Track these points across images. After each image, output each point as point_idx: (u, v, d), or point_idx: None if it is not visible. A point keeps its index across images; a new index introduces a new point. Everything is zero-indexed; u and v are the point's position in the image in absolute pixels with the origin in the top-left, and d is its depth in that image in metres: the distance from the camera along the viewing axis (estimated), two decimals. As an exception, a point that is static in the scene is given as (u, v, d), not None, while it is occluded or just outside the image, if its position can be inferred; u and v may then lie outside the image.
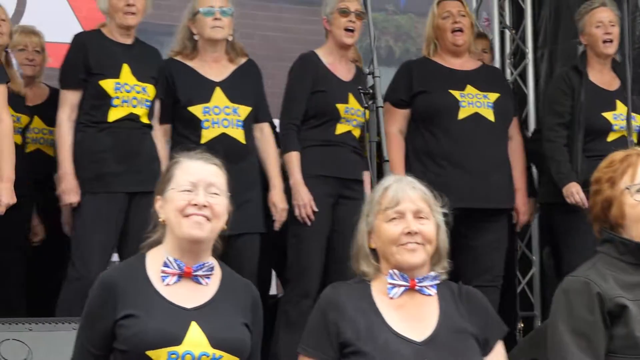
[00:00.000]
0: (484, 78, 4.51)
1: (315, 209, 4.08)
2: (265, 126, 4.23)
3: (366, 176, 4.08)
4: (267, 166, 4.14)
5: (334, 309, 2.61)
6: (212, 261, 2.63)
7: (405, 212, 2.59)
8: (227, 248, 3.82)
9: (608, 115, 4.45)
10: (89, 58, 4.09)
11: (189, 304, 2.59)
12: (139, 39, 4.28)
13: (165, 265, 2.59)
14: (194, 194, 2.57)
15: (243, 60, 4.23)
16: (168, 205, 2.60)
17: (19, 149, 4.25)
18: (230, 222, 3.75)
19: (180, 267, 2.58)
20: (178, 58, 4.18)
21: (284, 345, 4.05)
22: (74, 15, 6.19)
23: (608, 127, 4.49)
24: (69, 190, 3.93)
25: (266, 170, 4.17)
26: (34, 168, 4.42)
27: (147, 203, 2.89)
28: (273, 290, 5.01)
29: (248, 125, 4.11)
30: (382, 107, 3.55)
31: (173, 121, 4.18)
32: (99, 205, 3.98)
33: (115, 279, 2.64)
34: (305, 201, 4.05)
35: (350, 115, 4.27)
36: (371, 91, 3.56)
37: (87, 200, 3.95)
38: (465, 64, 4.50)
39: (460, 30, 4.40)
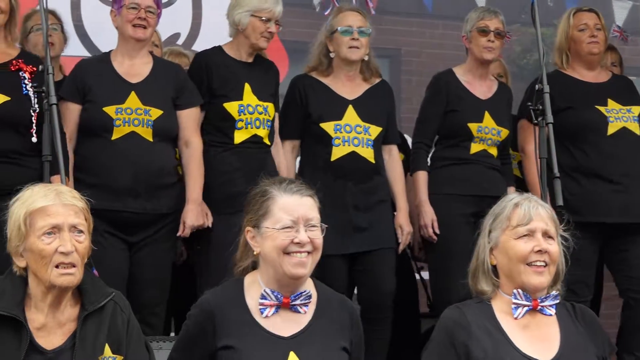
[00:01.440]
0: (621, 91, 4.46)
1: (438, 231, 4.05)
2: (394, 148, 4.21)
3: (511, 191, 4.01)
4: (394, 188, 4.13)
5: (462, 329, 2.62)
6: (309, 287, 2.60)
7: (536, 231, 2.61)
8: (360, 264, 4.03)
9: None
10: (213, 80, 4.08)
11: (286, 332, 2.56)
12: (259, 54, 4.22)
13: (263, 297, 2.56)
14: (295, 231, 2.52)
15: (377, 80, 4.19)
16: (267, 242, 2.55)
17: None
18: (363, 239, 3.99)
19: (278, 298, 2.56)
20: (313, 74, 4.15)
21: None
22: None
23: None
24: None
25: (393, 192, 4.15)
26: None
27: None
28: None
29: (378, 145, 4.08)
30: (552, 123, 3.64)
31: (302, 137, 4.16)
32: (230, 225, 3.72)
33: (214, 306, 2.60)
34: (427, 222, 4.05)
35: (484, 134, 4.23)
36: (540, 107, 3.63)
37: (218, 221, 3.94)
38: (598, 76, 4.44)
39: (597, 43, 4.33)
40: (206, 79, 4.07)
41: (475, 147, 4.26)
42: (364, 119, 4.03)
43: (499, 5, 5.32)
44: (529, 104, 3.77)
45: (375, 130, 4.05)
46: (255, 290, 2.59)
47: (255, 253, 2.58)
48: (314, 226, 2.54)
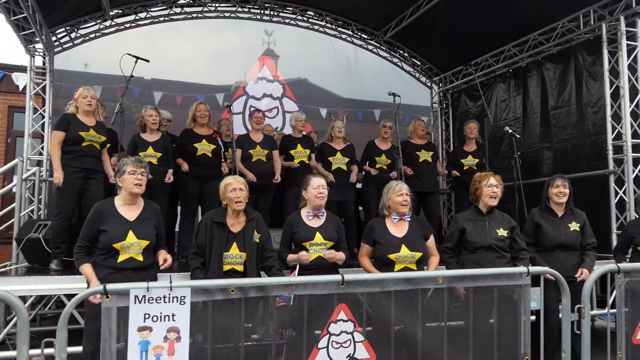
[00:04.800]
0: (429, 146, 8.84)
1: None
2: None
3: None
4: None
5: (371, 230, 5.19)
6: (324, 210, 5.19)
7: (403, 194, 5.07)
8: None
9: None
10: (285, 143, 8.20)
11: (316, 225, 5.10)
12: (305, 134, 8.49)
13: (309, 213, 5.09)
14: (320, 189, 5.10)
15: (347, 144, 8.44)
16: (310, 195, 5.12)
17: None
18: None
19: (313, 213, 5.15)
20: (327, 142, 8.28)
21: None
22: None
23: None
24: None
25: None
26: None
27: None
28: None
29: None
30: (402, 159, 8.05)
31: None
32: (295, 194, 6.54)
33: (293, 218, 5.23)
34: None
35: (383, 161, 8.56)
36: (398, 153, 7.97)
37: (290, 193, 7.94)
38: (421, 141, 8.79)
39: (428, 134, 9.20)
40: (283, 144, 8.31)
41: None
42: None
43: (387, 115, 10.93)
44: (398, 153, 7.80)
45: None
46: (305, 211, 5.15)
47: (306, 198, 5.10)
48: (325, 187, 5.13)
